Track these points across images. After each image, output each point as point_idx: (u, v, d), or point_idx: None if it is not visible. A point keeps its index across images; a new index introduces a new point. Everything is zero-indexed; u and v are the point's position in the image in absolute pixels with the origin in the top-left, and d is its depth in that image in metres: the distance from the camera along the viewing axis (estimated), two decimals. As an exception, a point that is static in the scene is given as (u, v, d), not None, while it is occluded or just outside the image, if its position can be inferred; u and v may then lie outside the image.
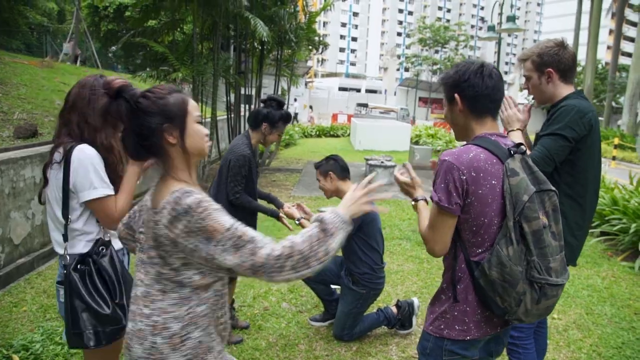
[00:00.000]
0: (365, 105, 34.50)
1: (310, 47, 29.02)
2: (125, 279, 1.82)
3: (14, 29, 19.88)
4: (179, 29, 8.96)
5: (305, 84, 39.30)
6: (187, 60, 8.11)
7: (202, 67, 8.47)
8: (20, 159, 4.62)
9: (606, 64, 45.39)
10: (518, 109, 2.23)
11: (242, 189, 2.92)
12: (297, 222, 3.01)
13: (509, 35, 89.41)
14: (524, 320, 1.53)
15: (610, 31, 47.81)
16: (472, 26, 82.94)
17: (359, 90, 51.21)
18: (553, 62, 2.21)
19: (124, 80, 1.32)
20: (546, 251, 1.45)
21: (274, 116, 2.97)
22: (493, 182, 1.49)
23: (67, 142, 1.76)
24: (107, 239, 1.84)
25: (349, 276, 3.11)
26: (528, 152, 1.79)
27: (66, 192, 1.75)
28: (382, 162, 9.93)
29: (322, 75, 71.86)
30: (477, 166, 1.48)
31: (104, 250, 1.79)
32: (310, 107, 31.46)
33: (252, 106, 11.05)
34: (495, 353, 1.72)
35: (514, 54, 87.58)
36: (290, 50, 11.51)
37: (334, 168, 3.16)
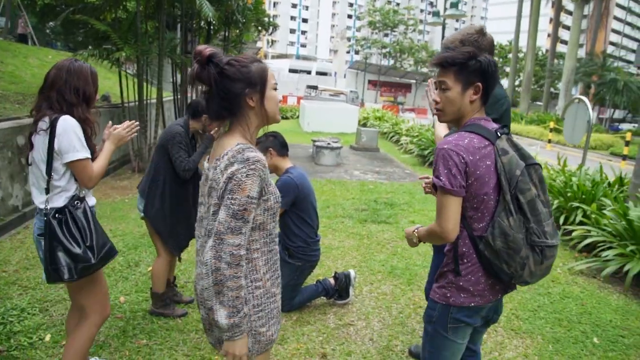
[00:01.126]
0: (315, 88, 34.52)
1: (259, 28, 28.55)
2: (97, 227, 2.16)
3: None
4: (121, 7, 8.64)
5: (255, 65, 38.76)
6: (131, 39, 7.90)
7: (147, 47, 8.27)
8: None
9: (546, 51, 47.67)
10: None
11: (186, 159, 3.00)
12: None
13: (457, 21, 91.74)
14: (529, 281, 1.70)
15: (551, 20, 50.10)
16: (422, 10, 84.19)
17: (309, 73, 51.04)
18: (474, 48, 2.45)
19: (213, 48, 1.47)
20: (540, 217, 1.64)
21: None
22: (488, 162, 1.63)
23: (51, 114, 2.03)
24: (81, 195, 2.15)
25: (285, 250, 3.29)
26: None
27: (51, 154, 2.03)
28: (328, 143, 10.14)
29: (273, 57, 70.91)
30: (473, 150, 1.62)
31: (79, 204, 2.12)
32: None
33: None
34: (491, 321, 1.88)
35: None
36: (237, 31, 11.40)
37: (274, 145, 3.28)
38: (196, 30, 10.85)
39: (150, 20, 9.57)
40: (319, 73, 50.62)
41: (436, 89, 1.82)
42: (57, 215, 2.06)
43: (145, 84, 8.53)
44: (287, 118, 23.09)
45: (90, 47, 8.23)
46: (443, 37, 13.82)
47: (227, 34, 11.58)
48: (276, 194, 1.56)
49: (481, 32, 2.42)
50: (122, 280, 3.78)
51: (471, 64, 1.67)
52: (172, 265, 3.38)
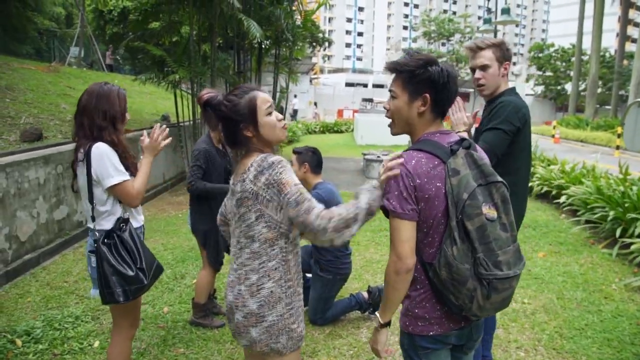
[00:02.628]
0: (370, 100, 34.54)
1: (313, 44, 28.90)
2: (144, 248, 2.23)
3: (23, 35, 20.34)
4: (177, 32, 9.20)
5: (310, 81, 39.45)
6: (185, 61, 8.37)
7: (200, 68, 8.72)
8: (25, 162, 4.92)
9: (615, 52, 44.91)
10: (465, 113, 2.35)
11: (196, 178, 3.19)
12: None
13: (517, 26, 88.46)
14: (479, 315, 1.53)
15: (619, 18, 47.20)
16: (479, 17, 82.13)
17: (366, 86, 51.23)
18: (510, 57, 2.45)
19: (211, 93, 1.69)
20: (492, 246, 1.44)
21: None
22: (438, 184, 1.49)
23: (85, 143, 2.13)
24: (126, 217, 2.23)
25: (317, 264, 3.35)
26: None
27: (90, 183, 2.14)
28: (378, 156, 10.12)
29: (329, 71, 71.82)
30: (420, 172, 1.49)
31: (124, 226, 2.20)
32: (315, 103, 31.59)
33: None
34: (466, 348, 1.71)
35: (522, 44, 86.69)
36: (287, 49, 11.72)
37: (311, 160, 3.38)
38: (248, 50, 11.28)
39: (204, 43, 10.09)
40: (375, 86, 50.66)
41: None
42: (106, 240, 2.13)
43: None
44: (341, 132, 23.31)
45: (149, 71, 8.80)
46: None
47: (277, 52, 11.94)
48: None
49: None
50: (168, 292, 3.99)
51: (419, 72, 1.52)
52: (212, 279, 3.54)
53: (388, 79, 50.84)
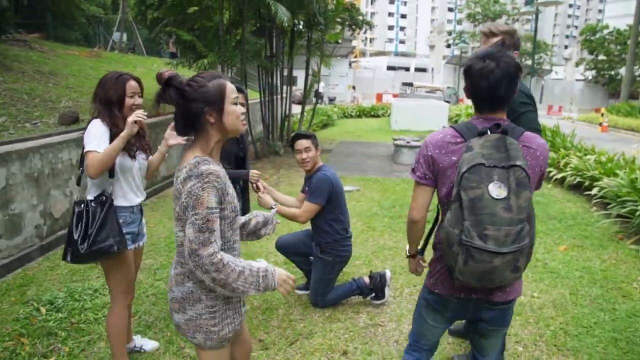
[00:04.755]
0: (410, 85, 33.93)
1: (353, 26, 28.55)
2: (103, 224, 2.35)
3: (72, 22, 21.19)
4: (209, 17, 9.36)
5: (350, 64, 39.10)
6: (215, 46, 8.52)
7: (230, 52, 8.86)
8: (58, 144, 5.21)
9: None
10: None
11: None
12: (272, 208, 2.89)
13: (570, 7, 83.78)
14: (461, 279, 1.68)
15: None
16: (529, -2, 78.44)
17: (407, 69, 50.27)
18: (519, 47, 2.44)
19: (172, 72, 1.66)
20: (482, 218, 1.56)
21: None
22: (453, 158, 1.73)
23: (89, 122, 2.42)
24: (108, 193, 2.42)
25: (317, 246, 3.42)
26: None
27: (82, 154, 2.41)
28: (408, 142, 10.01)
29: (371, 55, 70.87)
30: (441, 144, 1.76)
31: (104, 200, 2.39)
32: (353, 87, 31.32)
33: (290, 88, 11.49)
34: (482, 329, 1.93)
35: (576, 27, 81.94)
36: (320, 32, 11.68)
37: (319, 144, 3.46)
38: (280, 34, 11.33)
39: (237, 27, 10.21)
40: (417, 69, 49.62)
41: None
42: (80, 205, 2.39)
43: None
44: (378, 116, 23.07)
45: (182, 56, 9.02)
46: (536, 28, 12.81)
47: (310, 36, 11.93)
48: (233, 203, 1.67)
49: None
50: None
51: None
52: None
53: (430, 62, 49.34)
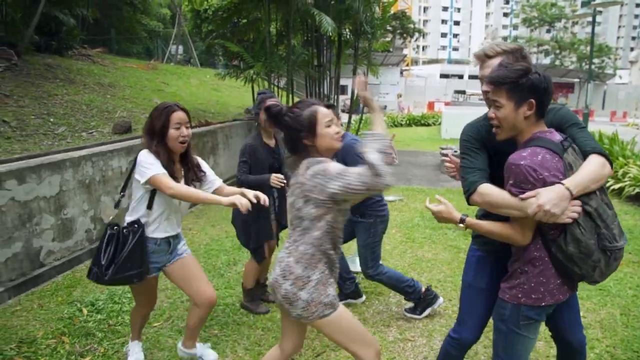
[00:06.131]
0: (462, 92, 33.15)
1: (404, 35, 28.15)
2: (134, 256, 2.41)
3: (134, 36, 22.48)
4: (257, 29, 9.61)
5: (401, 72, 38.73)
6: (262, 57, 8.72)
7: (277, 63, 9.04)
8: (109, 152, 5.50)
9: None
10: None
11: (242, 172, 3.38)
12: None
13: (638, 6, 78.69)
14: (599, 280, 1.82)
15: None
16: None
17: (461, 77, 49.20)
18: (527, 64, 2.22)
19: (273, 101, 2.00)
20: (608, 221, 1.73)
21: (257, 105, 3.43)
22: (560, 176, 1.71)
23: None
24: (142, 221, 2.47)
25: (356, 212, 3.38)
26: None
27: (128, 178, 2.58)
28: (455, 151, 9.73)
29: (424, 62, 70.00)
30: (547, 166, 1.70)
31: (136, 228, 2.43)
32: (399, 95, 30.89)
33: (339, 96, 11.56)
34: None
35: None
36: (366, 41, 11.68)
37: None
38: (328, 44, 11.43)
39: (285, 38, 10.42)
40: (471, 77, 48.40)
41: (489, 106, 1.87)
42: (113, 227, 2.46)
43: (279, 96, 9.33)
44: (428, 125, 22.66)
45: (229, 67, 9.30)
46: (593, 30, 12.09)
47: (357, 45, 11.96)
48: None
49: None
50: (218, 277, 4.26)
51: (522, 82, 1.72)
52: (265, 267, 3.74)
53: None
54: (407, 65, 48.34)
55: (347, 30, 11.43)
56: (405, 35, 31.25)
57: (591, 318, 3.50)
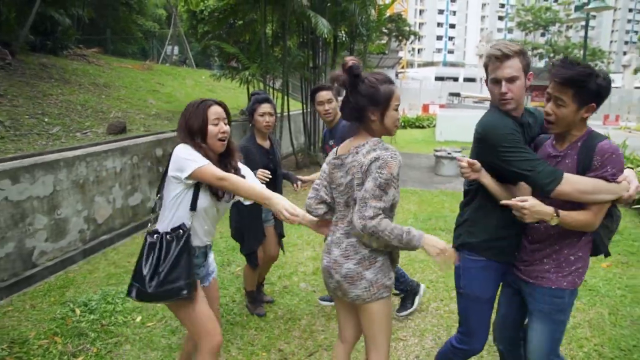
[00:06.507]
0: (457, 95, 33.29)
1: (399, 37, 28.23)
2: (177, 265, 2.08)
3: (130, 36, 22.43)
4: (252, 30, 9.63)
5: (397, 75, 38.86)
6: (257, 58, 8.74)
7: (272, 65, 9.05)
8: (103, 152, 5.50)
9: None
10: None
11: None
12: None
13: (630, 11, 79.38)
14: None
15: None
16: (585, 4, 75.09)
17: (456, 79, 49.48)
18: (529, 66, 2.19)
19: (355, 61, 1.85)
20: None
21: (251, 105, 3.38)
22: None
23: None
24: (187, 227, 2.13)
25: None
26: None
27: (163, 178, 2.24)
28: (449, 153, 9.80)
29: (419, 65, 70.20)
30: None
31: (181, 233, 2.11)
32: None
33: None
34: None
35: (635, 32, 77.14)
36: (362, 43, 11.72)
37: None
38: (324, 46, 11.46)
39: (280, 40, 10.44)
40: (466, 79, 48.71)
41: (547, 100, 1.88)
42: (154, 235, 2.13)
43: (275, 98, 9.34)
44: (423, 127, 22.72)
45: (224, 68, 9.32)
46: (586, 34, 12.22)
47: (352, 47, 11.99)
48: (398, 189, 1.91)
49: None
50: (212, 277, 4.27)
51: (591, 86, 1.77)
52: (264, 268, 3.71)
53: (479, 72, 48.12)
54: (403, 67, 48.46)
55: (342, 32, 11.46)
56: (400, 37, 31.32)
57: (580, 317, 3.54)
